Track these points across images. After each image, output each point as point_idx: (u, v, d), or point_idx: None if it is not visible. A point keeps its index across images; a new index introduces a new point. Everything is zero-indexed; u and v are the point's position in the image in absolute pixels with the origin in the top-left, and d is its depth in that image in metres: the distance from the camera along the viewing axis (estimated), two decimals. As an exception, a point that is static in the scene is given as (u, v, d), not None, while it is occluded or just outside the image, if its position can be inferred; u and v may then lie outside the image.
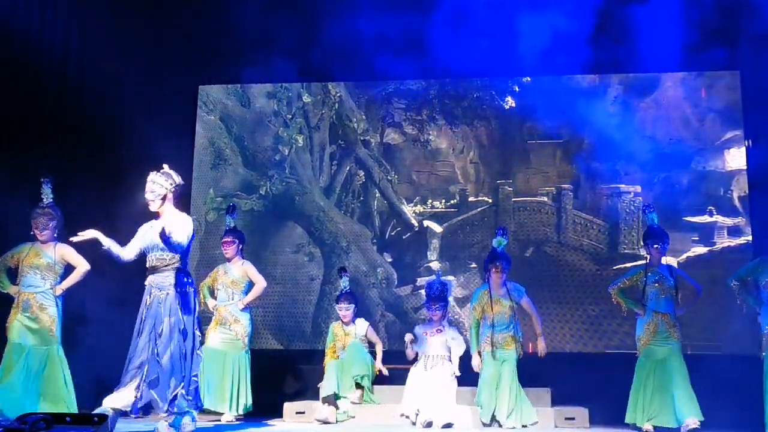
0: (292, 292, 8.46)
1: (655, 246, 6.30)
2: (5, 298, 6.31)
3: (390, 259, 8.38)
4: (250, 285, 7.08)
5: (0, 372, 6.03)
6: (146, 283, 5.35)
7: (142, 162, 8.26)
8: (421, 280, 8.11)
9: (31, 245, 6.30)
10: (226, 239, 7.12)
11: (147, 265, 5.37)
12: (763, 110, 7.66)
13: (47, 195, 6.29)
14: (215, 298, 7.11)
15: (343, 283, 7.27)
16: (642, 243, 6.61)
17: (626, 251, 7.94)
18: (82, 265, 6.30)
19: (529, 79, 8.41)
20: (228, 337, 6.99)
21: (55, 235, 6.28)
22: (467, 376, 6.75)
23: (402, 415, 6.47)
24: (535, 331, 6.60)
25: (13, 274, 6.30)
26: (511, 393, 6.31)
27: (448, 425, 6.28)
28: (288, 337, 8.38)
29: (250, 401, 6.94)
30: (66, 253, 6.27)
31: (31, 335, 6.10)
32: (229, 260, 7.12)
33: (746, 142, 7.89)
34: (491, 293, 6.50)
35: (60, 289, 6.24)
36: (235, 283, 7.06)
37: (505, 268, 6.55)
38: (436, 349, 6.69)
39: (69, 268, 6.34)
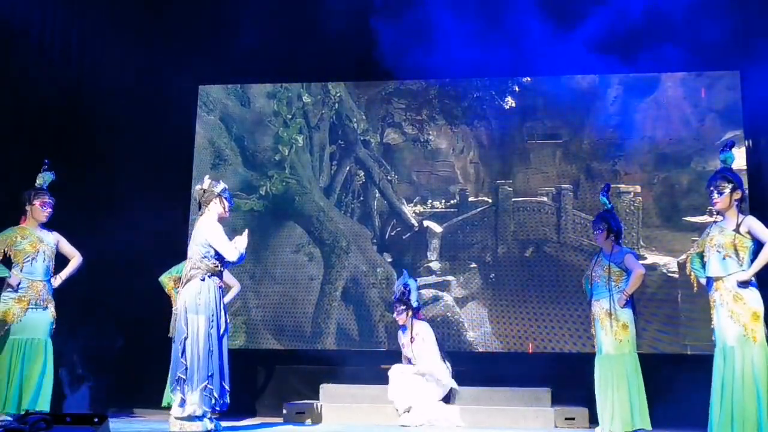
0: (291, 292, 8.46)
1: (710, 188, 5.12)
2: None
3: (390, 259, 8.38)
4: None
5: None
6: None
7: (142, 162, 8.33)
8: (421, 281, 8.09)
9: (19, 229, 5.91)
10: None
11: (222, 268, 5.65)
12: (763, 110, 7.66)
13: (46, 179, 6.05)
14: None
15: None
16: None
17: (626, 251, 7.94)
18: (77, 257, 6.10)
19: (529, 79, 8.41)
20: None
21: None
22: (468, 375, 6.75)
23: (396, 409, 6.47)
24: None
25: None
26: None
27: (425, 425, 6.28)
28: (288, 337, 8.38)
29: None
30: (62, 240, 6.05)
31: (32, 326, 5.81)
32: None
33: (746, 142, 7.88)
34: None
35: (59, 279, 6.01)
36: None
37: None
38: (411, 355, 6.63)
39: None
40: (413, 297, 6.66)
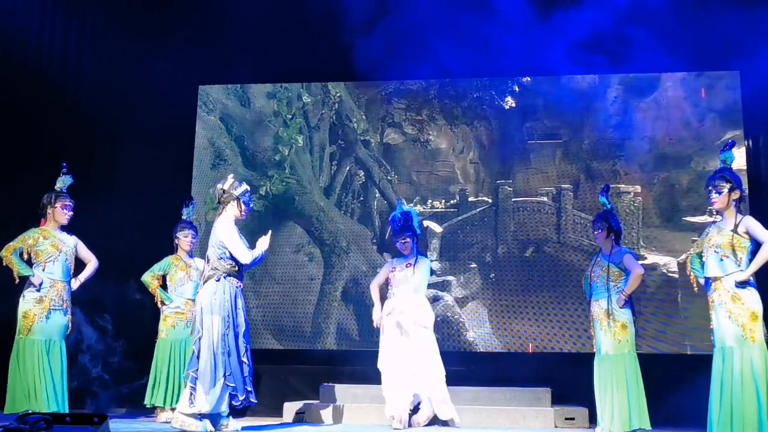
0: (292, 292, 8.46)
1: (709, 188, 5.10)
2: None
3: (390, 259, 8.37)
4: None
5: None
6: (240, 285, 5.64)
7: (142, 162, 8.33)
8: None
9: (40, 230, 5.95)
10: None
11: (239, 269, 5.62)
12: (763, 110, 7.66)
13: (65, 183, 6.08)
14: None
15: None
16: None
17: (626, 251, 7.94)
18: (94, 261, 6.18)
19: (529, 79, 8.42)
20: None
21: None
22: (468, 375, 6.72)
23: (391, 416, 6.14)
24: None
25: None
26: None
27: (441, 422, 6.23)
28: (288, 337, 8.38)
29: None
30: (80, 244, 6.11)
31: (51, 328, 5.84)
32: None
33: (746, 142, 7.89)
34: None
35: (78, 282, 6.07)
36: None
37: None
38: (404, 286, 6.28)
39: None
40: (416, 223, 6.40)
